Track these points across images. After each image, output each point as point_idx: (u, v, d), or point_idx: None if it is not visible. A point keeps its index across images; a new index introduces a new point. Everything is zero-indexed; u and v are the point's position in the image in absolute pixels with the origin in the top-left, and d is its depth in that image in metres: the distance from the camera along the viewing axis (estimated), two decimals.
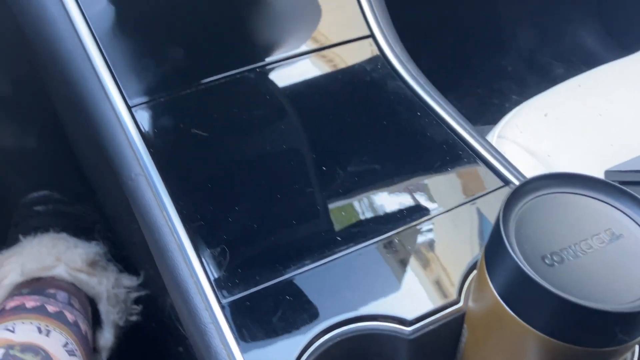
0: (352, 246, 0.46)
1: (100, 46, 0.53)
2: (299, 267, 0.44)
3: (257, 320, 0.41)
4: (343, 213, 0.49)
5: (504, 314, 0.37)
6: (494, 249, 0.38)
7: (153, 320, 0.68)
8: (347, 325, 0.42)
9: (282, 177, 0.50)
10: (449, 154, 0.54)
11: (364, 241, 0.47)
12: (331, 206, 0.49)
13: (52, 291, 0.62)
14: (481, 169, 0.53)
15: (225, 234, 0.46)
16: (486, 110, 1.20)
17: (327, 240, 0.46)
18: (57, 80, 0.60)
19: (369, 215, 0.49)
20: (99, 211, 0.82)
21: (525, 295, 0.36)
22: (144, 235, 0.48)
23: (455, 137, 0.55)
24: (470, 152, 0.54)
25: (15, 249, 0.66)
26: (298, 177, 0.51)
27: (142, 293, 0.68)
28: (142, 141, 0.50)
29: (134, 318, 0.67)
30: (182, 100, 0.54)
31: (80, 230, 0.73)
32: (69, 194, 0.84)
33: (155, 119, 0.52)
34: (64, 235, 0.68)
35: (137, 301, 0.68)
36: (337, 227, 0.48)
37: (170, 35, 0.57)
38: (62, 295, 0.62)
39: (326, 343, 0.41)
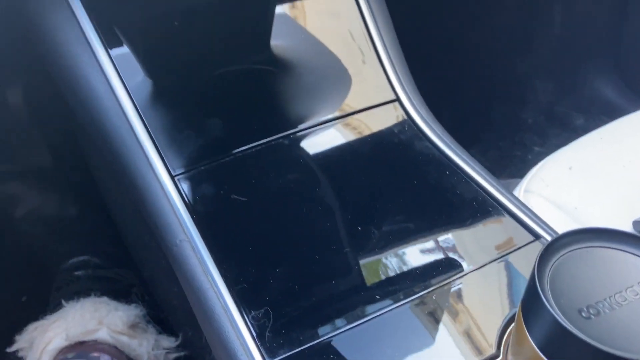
0: (389, 305, 0.48)
1: (144, 119, 0.56)
2: (339, 328, 0.46)
3: None
4: (379, 272, 0.51)
5: None
6: (531, 304, 0.40)
7: None
8: None
9: (319, 238, 0.53)
10: (479, 210, 0.55)
11: (400, 300, 0.48)
12: (367, 266, 0.51)
13: (95, 354, 0.63)
14: (511, 224, 0.55)
15: (268, 295, 0.47)
16: (509, 163, 1.22)
17: (365, 300, 0.48)
18: (101, 152, 0.64)
19: (403, 273, 0.51)
20: (135, 274, 0.84)
21: (564, 348, 0.37)
22: (187, 299, 0.50)
23: (485, 194, 0.57)
24: (500, 208, 0.56)
25: (59, 314, 0.68)
26: (334, 238, 0.53)
27: (181, 354, 0.69)
28: (185, 208, 0.53)
29: None
30: (221, 168, 0.57)
31: (118, 293, 0.75)
32: (106, 258, 0.86)
33: (196, 187, 0.55)
34: (104, 299, 0.70)
35: None
36: (374, 286, 0.50)
37: (208, 106, 0.61)
38: (105, 358, 0.63)
39: None
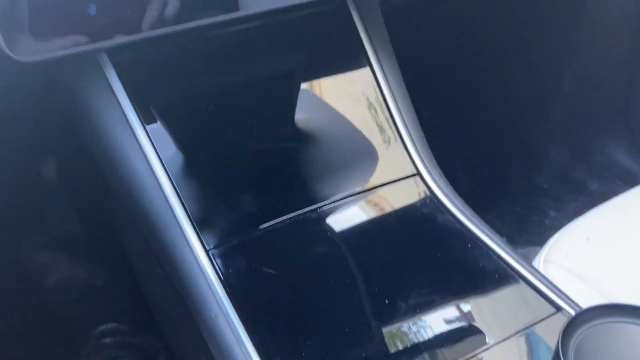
0: None
1: (180, 195, 0.60)
2: None
3: None
4: (403, 344, 0.52)
5: None
6: None
7: None
8: None
9: (347, 310, 0.55)
10: (501, 282, 0.57)
11: None
12: (391, 337, 0.53)
13: None
14: (533, 296, 0.57)
15: None
16: (527, 228, 1.24)
17: None
18: (136, 226, 0.67)
19: (427, 346, 0.52)
20: (163, 342, 0.86)
21: None
22: None
23: (506, 266, 0.59)
24: (521, 280, 0.58)
25: None
26: (361, 310, 0.55)
27: None
28: (219, 282, 0.55)
29: None
30: (252, 242, 0.60)
31: None
32: (134, 326, 0.88)
33: (229, 261, 0.58)
34: None
35: None
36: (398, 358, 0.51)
37: (240, 182, 0.64)
38: None
39: None
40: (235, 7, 0.62)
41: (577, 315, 0.43)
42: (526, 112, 1.35)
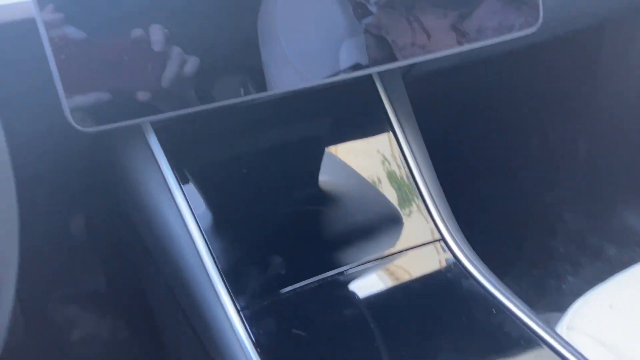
0: None
1: (214, 256, 0.62)
2: None
3: None
4: None
5: None
6: None
7: None
8: None
9: None
10: (526, 349, 0.58)
11: None
12: None
13: None
14: None
15: None
16: (545, 292, 1.24)
17: None
18: (166, 283, 0.69)
19: None
20: None
21: None
22: None
23: (531, 333, 0.60)
24: (547, 347, 0.59)
25: None
26: None
27: None
28: (251, 343, 0.57)
29: None
30: (281, 303, 0.61)
31: None
32: None
33: (260, 321, 0.59)
34: None
35: None
36: None
37: (269, 245, 0.66)
38: None
39: None
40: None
41: None
42: (540, 178, 1.38)
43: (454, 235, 0.70)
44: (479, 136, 1.35)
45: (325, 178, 0.73)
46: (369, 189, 0.73)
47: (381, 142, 0.75)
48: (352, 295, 0.64)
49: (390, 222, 0.71)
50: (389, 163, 0.74)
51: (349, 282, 0.65)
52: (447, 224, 0.71)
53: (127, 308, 0.98)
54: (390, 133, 0.75)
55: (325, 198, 0.72)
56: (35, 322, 0.94)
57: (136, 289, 0.93)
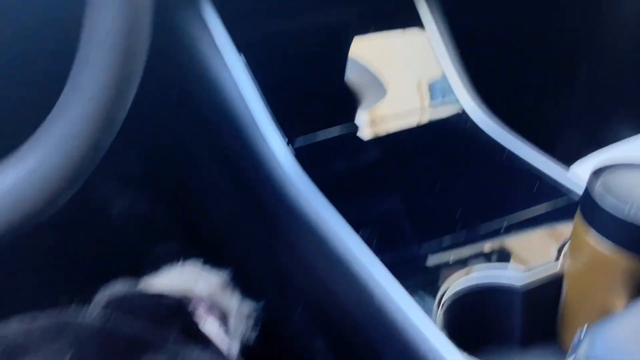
0: None
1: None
2: None
3: None
4: None
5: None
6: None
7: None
8: None
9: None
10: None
11: None
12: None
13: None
14: None
15: None
16: None
17: None
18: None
19: None
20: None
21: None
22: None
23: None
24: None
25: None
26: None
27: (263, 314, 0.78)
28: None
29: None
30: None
31: None
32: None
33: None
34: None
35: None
36: None
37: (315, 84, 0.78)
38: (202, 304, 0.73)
39: None
40: None
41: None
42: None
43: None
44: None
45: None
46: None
47: None
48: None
49: None
50: None
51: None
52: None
53: (164, 189, 1.04)
54: None
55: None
56: (74, 203, 1.01)
57: (171, 174, 1.00)
